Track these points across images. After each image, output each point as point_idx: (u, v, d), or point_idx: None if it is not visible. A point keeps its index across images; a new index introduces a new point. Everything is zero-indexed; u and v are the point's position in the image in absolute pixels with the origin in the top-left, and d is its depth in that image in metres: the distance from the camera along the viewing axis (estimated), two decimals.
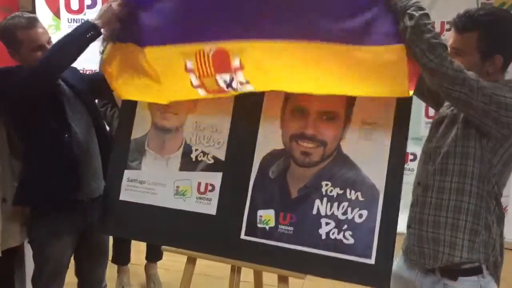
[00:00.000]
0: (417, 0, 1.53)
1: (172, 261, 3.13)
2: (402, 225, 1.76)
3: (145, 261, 3.07)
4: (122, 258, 2.99)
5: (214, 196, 1.93)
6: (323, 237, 1.77)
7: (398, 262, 1.83)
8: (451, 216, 1.64)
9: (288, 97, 1.89)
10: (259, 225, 1.85)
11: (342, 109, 1.83)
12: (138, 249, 3.11)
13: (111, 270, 2.75)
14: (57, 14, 3.93)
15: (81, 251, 2.19)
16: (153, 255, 3.01)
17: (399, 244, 1.78)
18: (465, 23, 1.62)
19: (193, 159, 1.99)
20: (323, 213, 1.79)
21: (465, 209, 1.63)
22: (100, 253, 2.25)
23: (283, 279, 1.84)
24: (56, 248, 2.07)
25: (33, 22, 1.94)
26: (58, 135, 2.00)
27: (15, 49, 1.94)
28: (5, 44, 1.97)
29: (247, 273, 2.12)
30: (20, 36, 1.91)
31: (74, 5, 3.93)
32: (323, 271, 1.77)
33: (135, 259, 3.17)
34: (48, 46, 1.93)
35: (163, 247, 1.94)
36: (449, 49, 1.57)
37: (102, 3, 3.80)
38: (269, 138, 1.90)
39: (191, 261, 1.96)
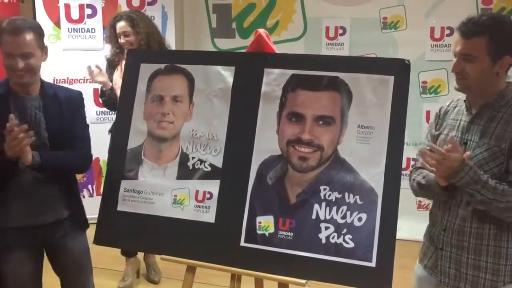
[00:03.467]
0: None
1: None
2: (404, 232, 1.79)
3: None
4: (129, 251, 3.08)
5: (212, 203, 1.92)
6: (323, 241, 1.77)
7: (420, 274, 1.90)
8: (493, 244, 1.71)
9: (283, 103, 1.90)
10: (258, 232, 1.84)
11: (338, 114, 1.84)
12: None
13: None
14: (57, 23, 3.92)
15: (56, 269, 2.15)
16: None
17: (399, 249, 1.78)
18: (472, 28, 1.67)
19: (190, 167, 1.98)
20: (322, 218, 1.79)
21: (506, 236, 1.70)
22: (76, 270, 2.16)
23: (283, 287, 1.83)
24: (12, 264, 2.00)
25: (16, 30, 1.86)
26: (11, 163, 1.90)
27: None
28: None
29: (249, 282, 2.11)
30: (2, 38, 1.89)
31: (75, 15, 3.94)
32: (324, 276, 1.77)
33: None
34: (17, 60, 1.86)
35: (163, 256, 1.93)
36: (456, 55, 1.67)
37: (102, 13, 3.83)
38: (266, 144, 1.90)
39: (191, 270, 1.95)
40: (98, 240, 2.07)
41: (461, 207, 1.75)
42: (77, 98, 2.12)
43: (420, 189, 1.86)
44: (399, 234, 1.75)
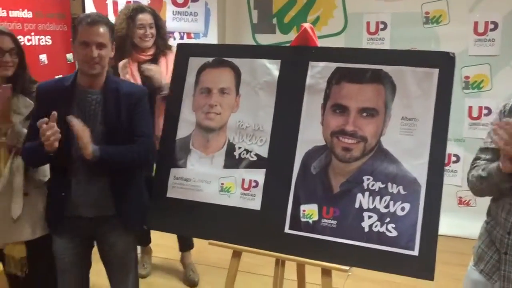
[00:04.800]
0: None
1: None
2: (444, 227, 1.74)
3: (180, 253, 3.21)
4: (143, 238, 3.16)
5: (258, 192, 2.00)
6: (366, 230, 1.82)
7: (475, 278, 1.80)
8: None
9: (328, 95, 1.95)
10: (302, 219, 1.91)
11: (382, 106, 1.88)
12: (170, 246, 3.25)
13: None
14: (161, 8, 4.06)
15: (101, 260, 2.21)
16: (186, 245, 3.17)
17: (440, 244, 1.76)
18: None
19: (237, 157, 2.06)
20: (365, 207, 1.84)
21: None
22: (118, 266, 2.20)
23: (326, 273, 1.89)
24: (61, 249, 2.10)
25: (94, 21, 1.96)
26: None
27: (75, 41, 1.99)
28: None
29: (291, 271, 2.18)
30: (79, 29, 1.96)
31: None
32: (367, 263, 1.82)
33: (172, 254, 3.33)
34: (93, 49, 1.94)
35: (210, 241, 2.01)
36: None
37: None
38: (310, 135, 1.96)
39: (236, 255, 2.02)
40: (149, 225, 2.18)
41: None
42: (137, 93, 2.12)
43: (481, 184, 1.72)
44: (440, 230, 1.75)
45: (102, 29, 1.96)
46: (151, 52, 2.90)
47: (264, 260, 2.00)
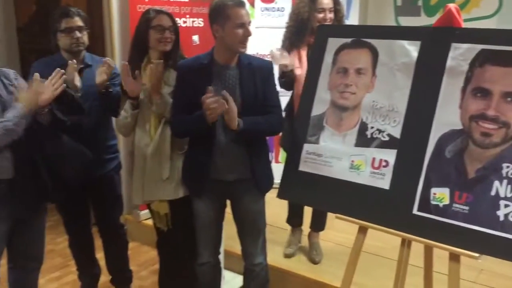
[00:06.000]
0: None
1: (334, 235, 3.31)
2: None
3: (309, 230, 3.28)
4: (295, 220, 3.24)
5: (388, 171, 2.02)
6: (501, 218, 1.74)
7: None
8: None
9: (469, 78, 1.89)
10: (432, 202, 1.89)
11: None
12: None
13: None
14: (252, 3, 4.30)
15: (234, 220, 2.43)
16: (317, 226, 3.22)
17: None
18: None
19: (368, 136, 2.10)
20: (502, 195, 1.76)
21: None
22: (249, 226, 2.39)
23: (454, 258, 1.85)
24: (201, 207, 2.34)
25: (241, 3, 2.16)
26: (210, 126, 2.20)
27: (221, 24, 2.15)
28: (212, 20, 2.19)
29: (416, 258, 2.17)
30: (229, 12, 2.13)
31: None
32: (499, 252, 1.75)
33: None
34: (249, 28, 2.15)
35: (337, 215, 2.10)
36: None
37: None
38: (447, 118, 1.92)
39: (362, 231, 2.08)
40: (280, 195, 2.33)
41: None
42: (268, 67, 2.32)
43: None
44: None
45: (245, 10, 2.16)
46: None
47: (389, 243, 2.02)
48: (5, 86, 2.11)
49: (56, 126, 2.24)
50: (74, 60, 2.39)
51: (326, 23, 2.82)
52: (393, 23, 4.41)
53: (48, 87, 2.12)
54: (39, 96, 2.09)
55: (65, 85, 2.18)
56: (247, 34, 2.14)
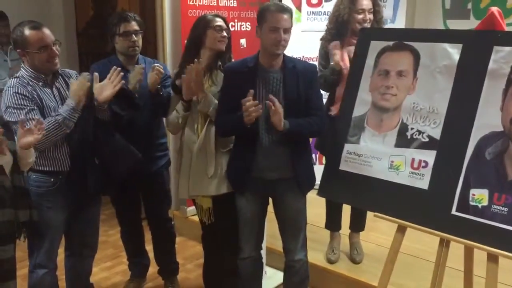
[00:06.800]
0: None
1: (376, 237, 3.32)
2: None
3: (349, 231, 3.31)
4: (333, 225, 3.27)
5: (427, 172, 2.06)
6: None
7: None
8: None
9: (511, 80, 1.90)
10: (471, 203, 1.91)
11: None
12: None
13: None
14: (299, 7, 4.39)
15: (276, 217, 2.52)
16: (356, 226, 3.24)
17: None
18: None
19: (408, 137, 2.14)
20: None
21: None
22: (290, 224, 2.46)
23: (492, 258, 1.86)
24: (243, 203, 2.44)
25: (283, 9, 2.25)
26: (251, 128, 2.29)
27: (260, 26, 2.26)
28: (257, 22, 2.29)
29: (456, 261, 2.17)
30: (268, 15, 2.23)
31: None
32: None
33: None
34: (282, 33, 2.20)
35: (376, 214, 2.14)
36: None
37: None
38: (488, 120, 1.94)
39: (401, 230, 2.12)
40: (321, 193, 2.40)
41: None
42: (312, 70, 2.39)
43: None
44: None
45: (287, 16, 2.22)
46: None
47: (430, 246, 2.03)
48: (68, 86, 2.30)
49: (114, 121, 2.42)
50: (142, 65, 2.58)
51: (365, 24, 2.83)
52: (441, 27, 4.37)
53: (108, 85, 2.30)
54: (100, 94, 2.28)
55: (123, 81, 2.35)
56: (279, 38, 2.20)
